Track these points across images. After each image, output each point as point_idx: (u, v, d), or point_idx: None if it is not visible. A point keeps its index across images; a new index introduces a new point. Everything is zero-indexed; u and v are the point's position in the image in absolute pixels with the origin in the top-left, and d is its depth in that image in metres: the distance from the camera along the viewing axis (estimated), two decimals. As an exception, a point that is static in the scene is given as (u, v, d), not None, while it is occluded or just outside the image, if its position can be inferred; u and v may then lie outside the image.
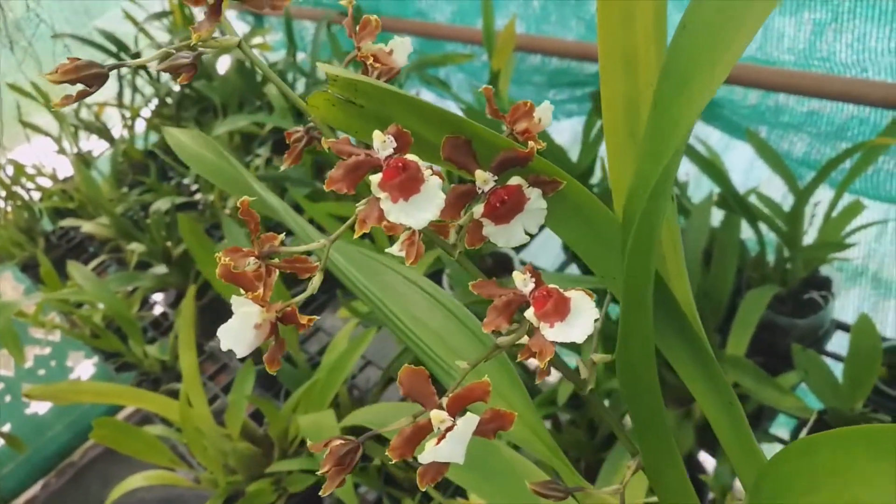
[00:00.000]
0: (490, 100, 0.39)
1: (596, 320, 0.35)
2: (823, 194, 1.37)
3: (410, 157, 0.34)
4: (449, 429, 0.33)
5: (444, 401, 0.34)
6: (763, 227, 1.40)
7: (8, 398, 2.12)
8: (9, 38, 2.42)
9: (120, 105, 2.47)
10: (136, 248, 1.99)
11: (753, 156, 1.59)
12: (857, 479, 0.32)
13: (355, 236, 0.35)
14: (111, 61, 2.22)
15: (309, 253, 0.40)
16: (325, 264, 0.39)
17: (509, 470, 0.51)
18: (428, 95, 2.33)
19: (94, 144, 2.65)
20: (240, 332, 0.37)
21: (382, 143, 0.34)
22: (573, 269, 1.70)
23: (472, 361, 0.38)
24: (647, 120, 0.37)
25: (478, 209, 0.37)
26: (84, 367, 2.16)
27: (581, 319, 0.35)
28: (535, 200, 0.37)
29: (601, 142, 1.48)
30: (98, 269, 2.17)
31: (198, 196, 2.29)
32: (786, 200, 1.47)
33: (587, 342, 0.36)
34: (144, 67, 2.44)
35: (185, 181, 2.37)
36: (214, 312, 1.92)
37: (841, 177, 1.32)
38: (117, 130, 2.56)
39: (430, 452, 0.33)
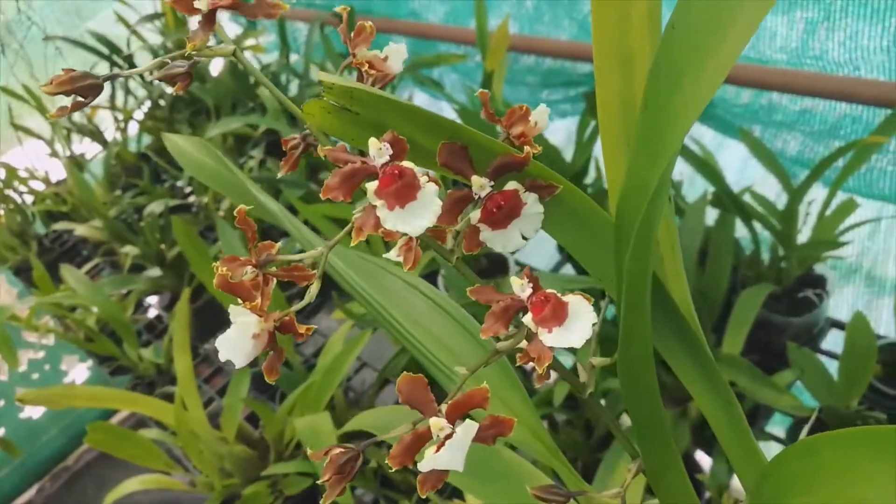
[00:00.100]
0: (486, 104, 0.39)
1: (594, 325, 0.35)
2: (817, 192, 1.38)
3: (406, 164, 0.34)
4: (448, 436, 0.33)
5: (443, 408, 0.34)
6: (757, 225, 1.40)
7: (2, 403, 2.11)
8: (0, 40, 2.41)
9: (113, 108, 2.46)
10: (129, 250, 1.98)
11: (747, 155, 1.59)
12: (859, 480, 0.32)
13: (352, 244, 0.35)
14: (103, 63, 2.20)
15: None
16: (322, 272, 0.39)
17: (508, 471, 0.51)
18: (421, 96, 2.33)
19: (86, 147, 2.63)
20: (238, 343, 0.37)
21: (378, 151, 0.34)
22: (568, 269, 1.70)
23: (471, 367, 0.38)
24: (638, 120, 0.37)
25: (474, 215, 0.37)
26: (78, 371, 2.15)
27: (579, 324, 0.35)
28: (532, 205, 0.37)
29: (595, 142, 1.48)
30: (92, 273, 2.16)
31: (192, 198, 2.29)
32: (780, 199, 1.47)
33: (584, 345, 0.36)
34: (141, 75, 2.44)
35: (179, 183, 2.37)
36: (209, 315, 1.91)
37: (834, 175, 1.33)
38: (110, 133, 2.55)
39: (429, 460, 0.33)
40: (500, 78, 1.68)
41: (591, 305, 0.36)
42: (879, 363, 1.26)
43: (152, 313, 2.06)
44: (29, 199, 2.53)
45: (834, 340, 1.43)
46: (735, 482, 1.17)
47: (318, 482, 0.34)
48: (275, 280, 0.38)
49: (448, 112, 2.25)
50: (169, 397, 1.45)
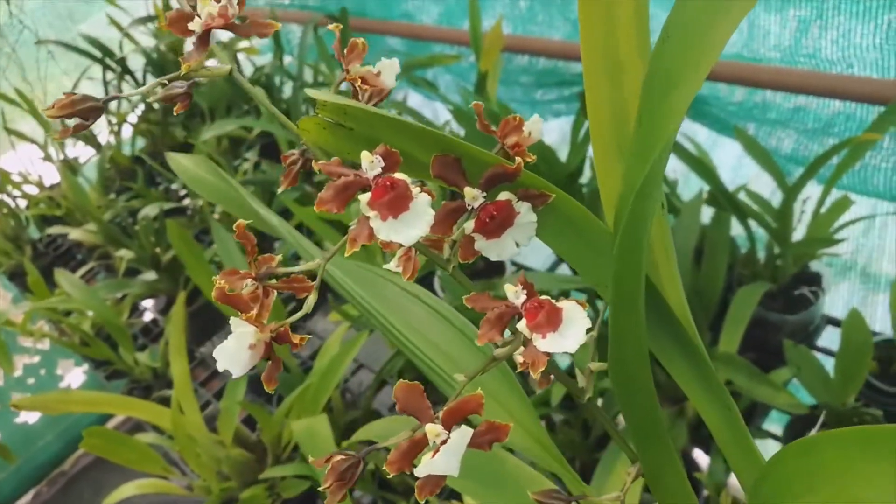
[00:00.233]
0: (480, 115, 0.40)
1: (589, 329, 0.36)
2: (812, 190, 1.38)
3: (399, 175, 0.34)
4: (444, 442, 0.33)
5: (440, 414, 0.35)
6: (752, 223, 1.40)
7: (-3, 408, 2.11)
8: (-8, 44, 2.41)
9: (106, 111, 2.45)
10: (124, 254, 1.97)
11: (741, 153, 1.60)
12: (857, 480, 0.32)
13: (346, 255, 0.36)
14: (96, 67, 2.20)
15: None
16: (319, 283, 0.40)
17: (508, 475, 0.51)
18: (416, 97, 2.33)
19: (80, 151, 2.62)
20: (235, 353, 0.37)
21: (370, 164, 0.34)
22: (564, 269, 1.70)
23: (469, 374, 0.38)
24: (633, 130, 0.37)
25: (469, 225, 0.38)
26: (74, 375, 2.15)
27: (574, 329, 0.36)
28: (525, 214, 0.38)
29: (590, 141, 1.48)
30: (86, 277, 2.16)
31: (187, 202, 2.28)
32: (774, 197, 1.47)
33: (583, 350, 0.36)
34: (131, 73, 2.43)
35: (174, 186, 2.36)
36: (205, 318, 1.91)
37: (829, 173, 1.33)
38: (104, 136, 2.54)
39: (425, 466, 0.33)
40: (495, 78, 1.68)
41: (585, 311, 0.36)
42: (875, 360, 1.26)
43: (148, 317, 2.06)
44: (22, 203, 2.52)
45: (830, 337, 1.43)
46: (733, 480, 1.17)
47: (320, 489, 0.34)
48: (275, 292, 0.39)
49: (443, 113, 2.25)
50: (165, 401, 1.44)
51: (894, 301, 1.26)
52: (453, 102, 1.69)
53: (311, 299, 0.39)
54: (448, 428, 0.34)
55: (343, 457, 0.35)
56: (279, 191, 0.44)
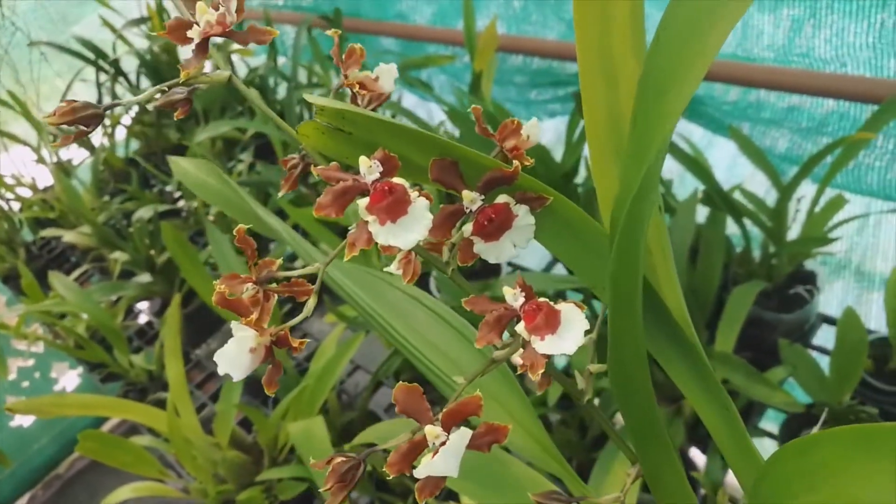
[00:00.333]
0: (479, 119, 0.40)
1: (587, 331, 0.36)
2: (806, 189, 1.38)
3: (397, 180, 0.35)
4: (443, 444, 0.34)
5: (440, 416, 0.35)
6: (747, 222, 1.41)
7: (-9, 412, 2.10)
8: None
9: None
10: (119, 256, 1.97)
11: (736, 152, 1.60)
12: (855, 479, 0.32)
13: (345, 259, 0.36)
14: (89, 69, 2.19)
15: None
16: (319, 287, 0.40)
17: (508, 475, 0.51)
18: (410, 98, 2.33)
19: (74, 153, 2.61)
20: (236, 357, 0.38)
21: (368, 168, 0.35)
22: (560, 269, 1.70)
23: (468, 376, 0.38)
24: (629, 133, 0.38)
25: (467, 228, 0.38)
26: (69, 378, 2.14)
27: (572, 331, 0.36)
28: (523, 217, 0.38)
29: (585, 141, 1.49)
30: (81, 279, 2.15)
31: (181, 203, 2.28)
32: (769, 196, 1.48)
33: (582, 351, 0.36)
34: (124, 75, 2.43)
35: (168, 188, 2.36)
36: (200, 320, 1.91)
37: (823, 172, 1.33)
38: (97, 138, 2.53)
39: (424, 467, 0.33)
40: (489, 78, 1.68)
41: (583, 313, 0.36)
42: (870, 358, 1.26)
43: (143, 319, 2.05)
44: (16, 206, 2.51)
45: (825, 336, 1.44)
46: (730, 479, 1.17)
47: (321, 490, 0.34)
48: (275, 296, 0.40)
49: (437, 113, 2.25)
50: (161, 404, 1.44)
51: (889, 299, 1.26)
52: (448, 103, 1.69)
53: (311, 303, 0.39)
54: (447, 430, 0.34)
55: (343, 459, 0.35)
56: (279, 195, 0.44)
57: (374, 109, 0.42)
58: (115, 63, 2.43)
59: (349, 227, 0.36)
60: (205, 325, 1.95)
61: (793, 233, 1.42)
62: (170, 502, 1.48)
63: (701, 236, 1.35)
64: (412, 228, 0.34)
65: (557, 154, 1.52)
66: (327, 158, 0.39)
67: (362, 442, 0.89)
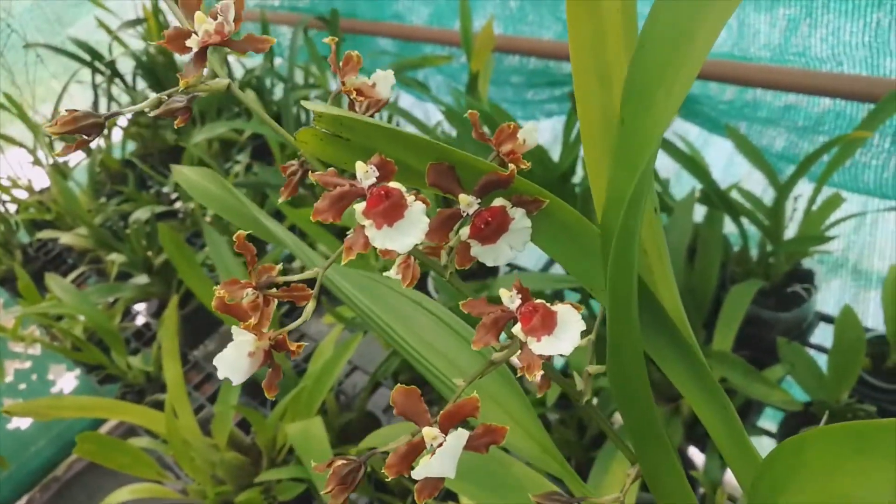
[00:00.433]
0: (476, 124, 0.40)
1: (584, 332, 0.36)
2: (803, 188, 1.39)
3: (393, 184, 0.35)
4: (440, 445, 0.34)
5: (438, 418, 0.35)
6: (745, 221, 1.41)
7: (-12, 414, 2.09)
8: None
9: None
10: (116, 258, 1.96)
11: (732, 152, 1.60)
12: (846, 476, 0.33)
13: (342, 263, 0.36)
14: (85, 70, 2.18)
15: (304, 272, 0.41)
16: (318, 292, 0.40)
17: (508, 476, 0.51)
18: (407, 98, 2.33)
19: (70, 155, 2.61)
20: (235, 361, 0.38)
21: (365, 173, 0.35)
22: (557, 269, 1.70)
23: (467, 378, 0.39)
24: (616, 136, 0.38)
25: (464, 231, 0.38)
26: (66, 381, 2.13)
27: (568, 332, 0.36)
28: (520, 220, 0.38)
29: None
30: (77, 281, 2.15)
31: (178, 205, 2.27)
32: (765, 195, 1.48)
33: (581, 352, 0.36)
34: (120, 76, 2.42)
35: (165, 190, 2.35)
36: (198, 322, 1.90)
37: (820, 170, 1.34)
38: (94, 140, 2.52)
39: (421, 468, 0.34)
40: (486, 79, 1.68)
41: (579, 314, 0.37)
42: (868, 356, 1.27)
43: (140, 321, 2.05)
44: (12, 208, 2.51)
45: (822, 335, 1.44)
46: (728, 477, 1.17)
47: (322, 493, 0.34)
48: (276, 301, 0.40)
49: (434, 113, 2.25)
50: (159, 405, 1.43)
51: (886, 297, 1.27)
52: (445, 103, 1.69)
53: (310, 307, 0.40)
54: (445, 431, 0.35)
55: (344, 461, 0.35)
56: (279, 201, 0.44)
57: (372, 115, 0.43)
58: (111, 65, 2.42)
59: (348, 230, 0.36)
60: (202, 327, 1.94)
61: (790, 231, 1.42)
62: (168, 504, 1.48)
63: (698, 235, 1.35)
64: (409, 232, 0.34)
65: (555, 154, 1.52)
66: (326, 164, 0.39)
67: (367, 446, 0.90)
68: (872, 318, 1.52)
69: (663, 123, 0.36)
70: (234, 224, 0.59)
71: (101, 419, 1.90)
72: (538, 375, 0.36)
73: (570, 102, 1.73)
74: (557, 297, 1.44)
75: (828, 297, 1.61)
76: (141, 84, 2.52)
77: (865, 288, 1.59)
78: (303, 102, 0.37)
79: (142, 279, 1.94)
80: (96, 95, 2.45)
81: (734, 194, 1.43)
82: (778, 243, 1.40)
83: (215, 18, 0.37)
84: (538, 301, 0.37)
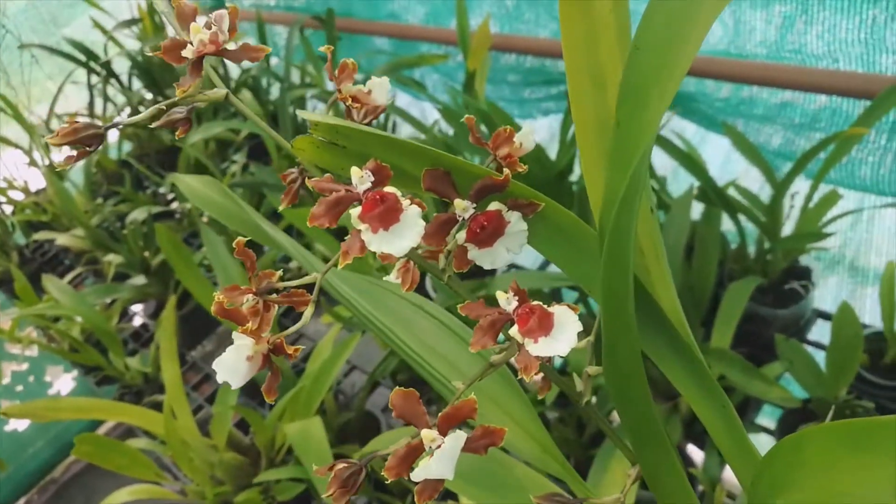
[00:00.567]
0: (472, 129, 0.41)
1: (581, 333, 0.37)
2: (800, 185, 1.39)
3: (388, 189, 0.35)
4: (439, 447, 0.34)
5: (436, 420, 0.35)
6: (742, 219, 1.41)
7: (-14, 416, 2.08)
8: (-25, 49, 2.38)
9: (91, 115, 2.44)
10: (113, 259, 1.96)
11: (729, 149, 1.60)
12: (845, 474, 0.33)
13: (339, 267, 0.37)
14: (81, 70, 2.18)
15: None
16: (317, 297, 0.40)
17: (510, 477, 0.51)
18: (404, 97, 2.32)
19: (66, 156, 2.60)
20: (233, 365, 0.38)
21: (360, 178, 0.35)
22: (554, 267, 1.70)
23: (467, 381, 0.39)
24: (612, 138, 0.38)
25: (461, 235, 0.38)
26: (63, 382, 2.12)
27: (565, 333, 0.36)
28: (516, 223, 0.39)
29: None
30: (75, 282, 2.14)
31: (175, 205, 2.27)
32: (762, 192, 1.48)
33: (581, 353, 0.37)
34: (116, 76, 2.42)
35: (162, 190, 2.35)
36: (196, 322, 1.90)
37: (816, 167, 1.34)
38: (90, 141, 2.51)
39: (420, 471, 0.34)
40: (483, 77, 1.68)
41: (576, 315, 0.37)
42: (866, 352, 1.27)
43: (138, 322, 2.05)
44: (8, 209, 2.50)
45: (820, 331, 1.44)
46: (727, 474, 1.17)
47: (323, 497, 0.35)
48: (276, 307, 0.40)
49: (431, 112, 2.25)
50: (157, 406, 1.43)
51: (883, 294, 1.27)
52: (442, 102, 1.69)
53: (308, 312, 0.40)
54: (444, 433, 0.35)
55: (345, 465, 0.36)
56: (280, 208, 0.44)
57: (370, 121, 0.43)
58: (107, 65, 2.42)
59: (347, 231, 0.37)
60: (200, 327, 1.94)
61: (787, 228, 1.43)
62: (167, 505, 1.48)
63: (696, 233, 1.35)
64: (404, 235, 0.35)
65: (552, 152, 1.52)
66: (323, 171, 0.40)
67: (370, 451, 0.90)
68: (869, 314, 1.52)
69: (657, 122, 0.36)
70: (233, 228, 0.60)
71: (99, 420, 1.90)
72: (536, 377, 0.36)
73: (566, 100, 1.73)
74: (555, 295, 1.44)
75: (825, 294, 1.61)
76: (136, 84, 2.51)
77: (862, 284, 1.59)
78: (300, 112, 0.38)
79: (139, 280, 1.94)
80: (92, 96, 2.45)
81: (731, 191, 1.43)
82: (775, 240, 1.40)
83: (210, 28, 0.38)
84: (535, 303, 0.37)
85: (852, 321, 1.19)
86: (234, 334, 0.39)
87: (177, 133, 0.39)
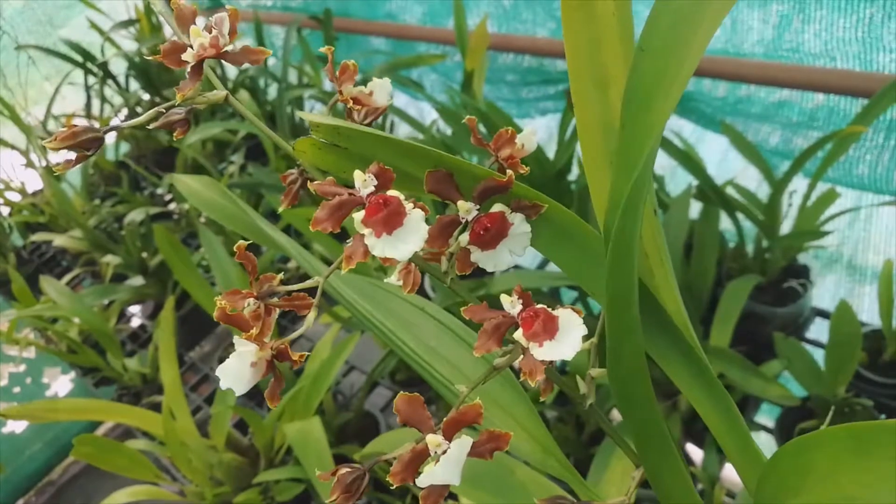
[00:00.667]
0: (474, 130, 0.40)
1: (586, 336, 0.36)
2: (798, 183, 1.39)
3: (392, 192, 0.35)
4: (444, 452, 0.34)
5: (441, 425, 0.35)
6: (741, 217, 1.41)
7: (-17, 418, 2.08)
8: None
9: (88, 116, 2.43)
10: (111, 260, 1.96)
11: (726, 148, 1.60)
12: (850, 478, 0.33)
13: (343, 272, 0.36)
14: (77, 71, 2.17)
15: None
16: (318, 301, 0.40)
17: (510, 478, 0.51)
18: (401, 97, 2.32)
19: (63, 157, 2.59)
20: (237, 372, 0.38)
21: (363, 182, 0.35)
22: (554, 266, 1.70)
23: (470, 384, 0.39)
24: (617, 141, 0.38)
25: (464, 237, 0.38)
26: (61, 383, 2.12)
27: (570, 337, 0.36)
28: (519, 225, 0.39)
29: (577, 139, 1.48)
30: (72, 283, 2.14)
31: (172, 206, 2.27)
32: (760, 190, 1.48)
33: (583, 354, 0.36)
34: (113, 77, 2.41)
35: (159, 191, 2.34)
36: (194, 323, 1.90)
37: (814, 166, 1.34)
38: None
39: (426, 476, 0.34)
40: (481, 77, 1.68)
41: (580, 318, 0.37)
42: (864, 350, 1.27)
43: (136, 322, 2.04)
44: (5, 210, 2.50)
45: (818, 329, 1.44)
46: (726, 473, 1.18)
47: (326, 503, 0.34)
48: (277, 311, 0.40)
49: (429, 112, 2.25)
50: (156, 407, 1.43)
51: (881, 292, 1.27)
52: (439, 101, 1.69)
53: (311, 316, 0.40)
54: (449, 438, 0.35)
55: (349, 469, 0.35)
56: (280, 209, 0.44)
57: (370, 122, 0.43)
58: (104, 66, 2.41)
59: (345, 230, 0.36)
60: (198, 328, 1.94)
61: (785, 227, 1.43)
62: (166, 506, 1.48)
63: (695, 232, 1.35)
64: (408, 239, 0.34)
65: (550, 151, 1.52)
66: (324, 172, 0.39)
67: (371, 451, 0.89)
68: (868, 312, 1.52)
69: (661, 125, 0.36)
70: (231, 228, 0.59)
71: (98, 422, 1.89)
72: (540, 380, 0.35)
73: (564, 100, 1.73)
74: (554, 294, 1.44)
75: (823, 293, 1.61)
76: (134, 85, 2.51)
77: (861, 283, 1.59)
78: (299, 113, 0.38)
79: (137, 281, 1.93)
80: (89, 97, 2.44)
81: (730, 190, 1.43)
82: (774, 239, 1.40)
83: (210, 31, 0.37)
84: (539, 306, 0.37)
85: (851, 319, 1.19)
86: (236, 340, 0.38)
87: (175, 134, 0.38)
